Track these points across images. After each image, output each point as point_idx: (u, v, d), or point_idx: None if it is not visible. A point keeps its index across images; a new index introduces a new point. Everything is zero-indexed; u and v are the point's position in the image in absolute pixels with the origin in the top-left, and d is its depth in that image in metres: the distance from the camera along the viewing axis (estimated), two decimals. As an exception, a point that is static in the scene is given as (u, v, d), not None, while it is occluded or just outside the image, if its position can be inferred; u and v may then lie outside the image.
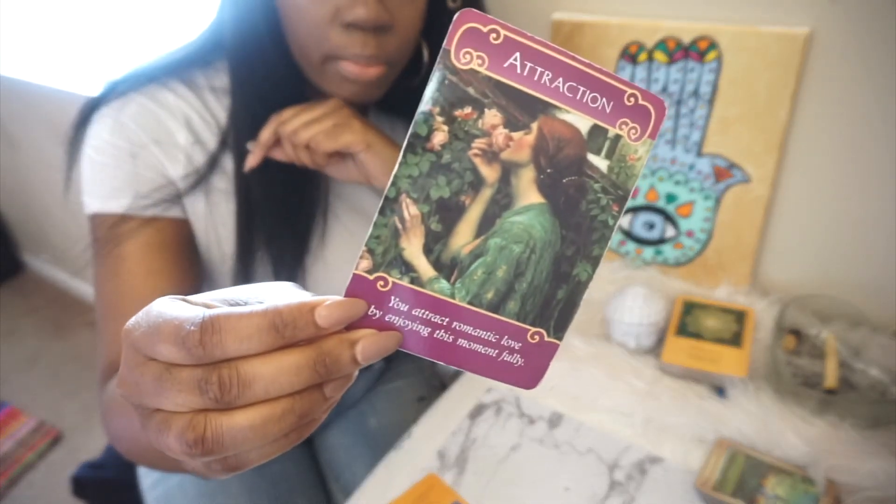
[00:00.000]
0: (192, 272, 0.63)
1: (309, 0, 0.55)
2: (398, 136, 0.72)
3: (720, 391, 0.70)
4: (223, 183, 0.63)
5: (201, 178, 0.62)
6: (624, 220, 0.90)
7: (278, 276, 0.65)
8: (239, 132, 0.61)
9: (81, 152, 0.61)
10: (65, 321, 2.19)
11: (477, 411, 0.72)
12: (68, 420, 1.75)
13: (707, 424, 0.66)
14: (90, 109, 0.62)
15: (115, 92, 0.61)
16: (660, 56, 0.75)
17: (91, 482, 0.87)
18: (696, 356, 0.73)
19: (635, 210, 0.88)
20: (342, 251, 0.70)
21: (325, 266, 0.69)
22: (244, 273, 0.64)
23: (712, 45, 0.72)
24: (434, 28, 0.62)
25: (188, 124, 0.61)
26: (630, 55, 0.76)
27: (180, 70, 0.63)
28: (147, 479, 0.79)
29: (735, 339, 0.75)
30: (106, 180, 0.60)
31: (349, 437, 0.83)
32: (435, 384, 0.93)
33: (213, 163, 0.62)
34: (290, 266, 0.66)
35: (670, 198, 0.84)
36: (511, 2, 0.82)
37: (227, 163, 0.63)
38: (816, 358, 0.73)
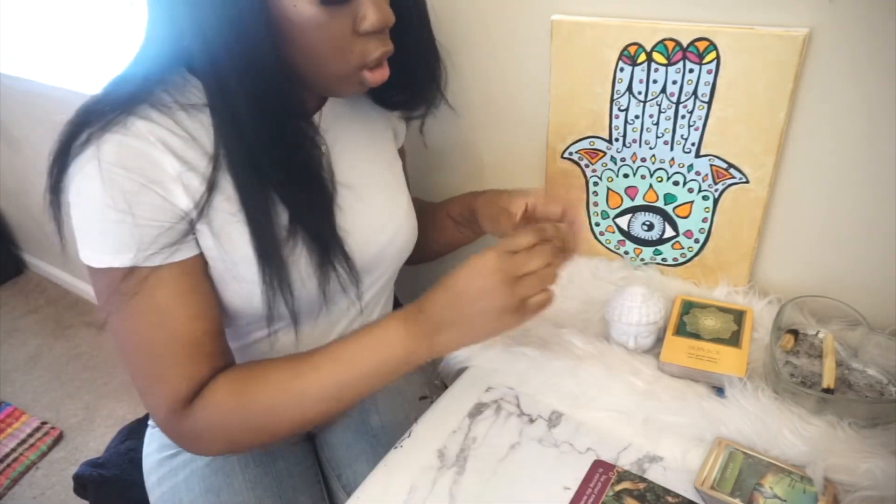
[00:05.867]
0: (215, 296, 0.65)
1: (329, 16, 0.56)
2: (362, 104, 0.77)
3: (719, 391, 0.71)
4: (220, 202, 0.62)
5: (204, 204, 0.60)
6: (623, 221, 0.90)
7: (319, 256, 0.65)
8: (229, 147, 0.60)
9: (68, 203, 0.59)
10: (66, 321, 2.20)
11: (477, 410, 0.73)
12: (69, 419, 1.76)
13: (706, 424, 0.66)
14: (63, 157, 0.58)
15: (82, 134, 0.57)
16: (658, 57, 0.75)
17: (92, 481, 0.87)
18: (695, 356, 0.73)
19: (634, 210, 0.88)
20: (357, 218, 0.72)
21: (348, 235, 0.69)
22: (276, 273, 0.64)
23: (711, 47, 0.72)
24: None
25: (170, 150, 0.59)
26: (629, 56, 0.77)
27: (144, 93, 0.60)
28: (152, 476, 0.79)
29: (733, 339, 0.75)
30: (111, 236, 0.58)
31: (351, 434, 0.84)
32: (436, 383, 0.93)
33: (211, 186, 0.60)
34: (327, 243, 0.66)
35: (669, 198, 0.85)
36: (511, 2, 0.82)
37: (221, 182, 0.62)
38: (814, 357, 0.73)
